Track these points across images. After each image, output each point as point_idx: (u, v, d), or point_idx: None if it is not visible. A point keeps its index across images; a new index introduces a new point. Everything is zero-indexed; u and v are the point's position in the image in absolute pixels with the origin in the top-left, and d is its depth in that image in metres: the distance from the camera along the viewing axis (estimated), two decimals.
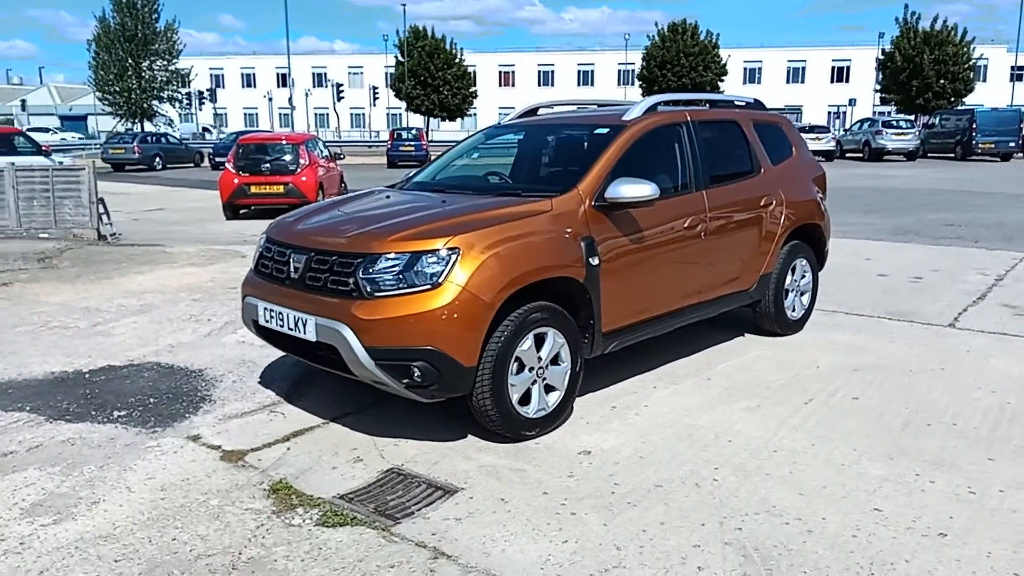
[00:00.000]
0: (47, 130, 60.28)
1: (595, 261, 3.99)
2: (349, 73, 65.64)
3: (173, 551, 2.85)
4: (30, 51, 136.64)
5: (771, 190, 5.31)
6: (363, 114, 64.53)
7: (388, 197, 4.59)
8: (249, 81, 66.79)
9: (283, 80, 65.22)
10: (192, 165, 34.10)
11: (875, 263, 8.62)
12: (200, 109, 55.30)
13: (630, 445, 3.78)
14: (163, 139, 34.06)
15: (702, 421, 4.07)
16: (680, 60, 50.71)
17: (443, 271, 3.47)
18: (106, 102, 53.66)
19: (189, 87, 57.01)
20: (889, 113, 43.76)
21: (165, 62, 55.97)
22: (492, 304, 3.51)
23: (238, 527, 3.03)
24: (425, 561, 2.78)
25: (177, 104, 55.75)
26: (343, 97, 44.99)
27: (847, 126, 43.06)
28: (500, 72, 66.39)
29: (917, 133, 30.82)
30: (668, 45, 51.40)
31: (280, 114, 60.80)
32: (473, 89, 56.66)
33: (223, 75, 67.68)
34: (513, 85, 65.89)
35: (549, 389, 3.92)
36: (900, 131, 30.14)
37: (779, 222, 5.33)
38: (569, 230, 3.93)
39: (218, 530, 3.00)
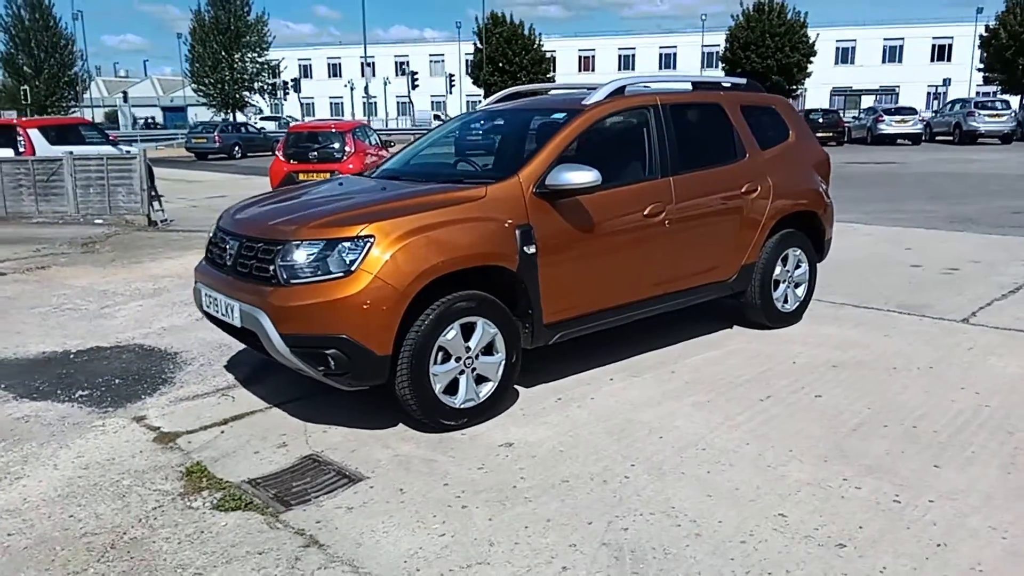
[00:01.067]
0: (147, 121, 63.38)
1: (531, 250, 3.89)
2: (430, 61, 66.40)
3: (65, 528, 2.97)
4: (140, 44, 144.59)
5: (756, 176, 5.06)
6: (443, 101, 65.16)
7: (340, 185, 4.62)
8: (335, 71, 68.46)
9: (364, 68, 66.64)
10: (271, 153, 35.27)
11: (914, 253, 8.12)
12: (285, 99, 57.10)
13: (556, 439, 3.69)
14: (242, 129, 35.36)
15: (643, 416, 3.93)
16: (765, 40, 48.90)
17: (356, 259, 3.46)
18: (201, 93, 56.14)
19: (279, 77, 58.88)
20: (987, 93, 41.00)
21: (255, 54, 58.01)
22: (406, 293, 3.47)
23: (136, 507, 3.12)
24: (295, 549, 2.80)
25: (266, 95, 57.56)
26: (418, 85, 45.56)
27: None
28: (580, 57, 65.73)
29: (1014, 114, 28.75)
30: (753, 25, 49.65)
31: (364, 103, 62.11)
32: (551, 75, 56.41)
33: (311, 65, 69.63)
34: (593, 70, 65.13)
35: (481, 380, 3.87)
36: (995, 112, 28.17)
37: (764, 210, 5.07)
38: (503, 218, 3.85)
39: (116, 509, 3.11)
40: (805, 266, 5.51)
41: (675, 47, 63.91)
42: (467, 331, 3.76)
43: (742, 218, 4.99)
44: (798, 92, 52.27)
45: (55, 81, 58.36)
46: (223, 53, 55.67)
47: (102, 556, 2.77)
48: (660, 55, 65.00)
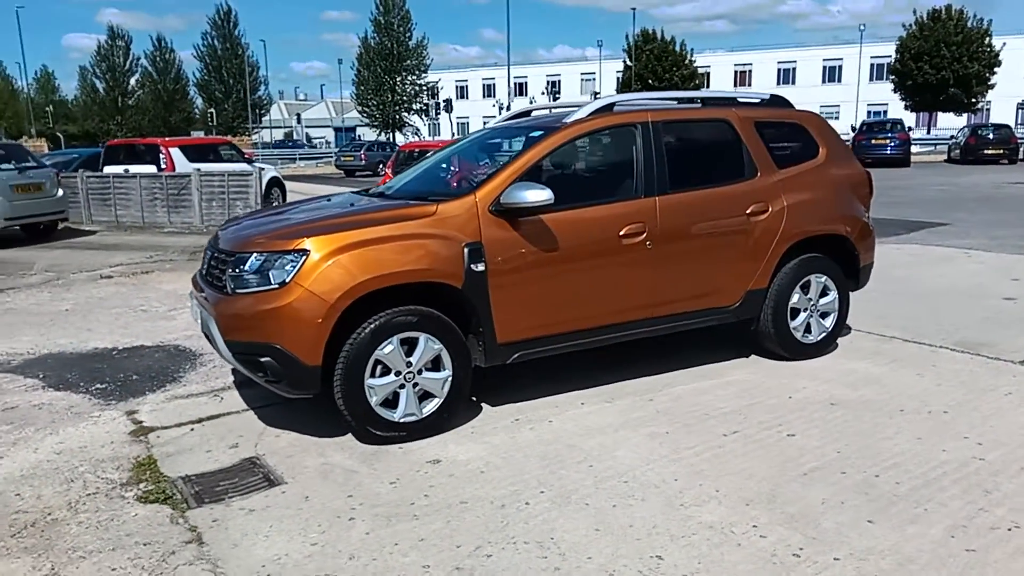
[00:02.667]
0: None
1: (480, 268, 3.89)
2: (582, 80, 66.81)
3: (5, 504, 3.31)
4: (323, 70, 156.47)
5: (766, 197, 4.74)
6: None
7: (327, 202, 4.82)
8: (489, 91, 70.51)
9: (519, 89, 68.14)
10: None
11: (1019, 285, 7.24)
12: (437, 119, 59.49)
13: (486, 459, 3.65)
14: (387, 147, 37.15)
15: (588, 443, 3.80)
16: (940, 51, 45.16)
17: (291, 272, 3.62)
18: (365, 114, 59.79)
19: (437, 99, 61.57)
20: None
21: (415, 76, 61.03)
22: (335, 306, 3.58)
23: (74, 492, 3.42)
24: (176, 544, 2.97)
25: (423, 115, 60.20)
26: (558, 97, 45.96)
27: None
28: (736, 71, 63.67)
29: None
30: (927, 35, 46.04)
31: None
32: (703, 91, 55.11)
33: (467, 86, 72.19)
34: (749, 85, 62.85)
35: (426, 395, 3.90)
36: None
37: (776, 232, 4.74)
38: (452, 235, 3.87)
39: (57, 492, 3.42)
40: (833, 294, 5.08)
41: (840, 59, 60.42)
42: (410, 346, 3.82)
43: (747, 241, 4.69)
44: (979, 105, 47.78)
45: (241, 104, 64.29)
46: (385, 76, 58.94)
47: (18, 532, 3.07)
48: (824, 68, 61.69)
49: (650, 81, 52.69)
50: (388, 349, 3.75)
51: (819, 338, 5.08)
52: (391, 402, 3.82)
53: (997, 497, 3.15)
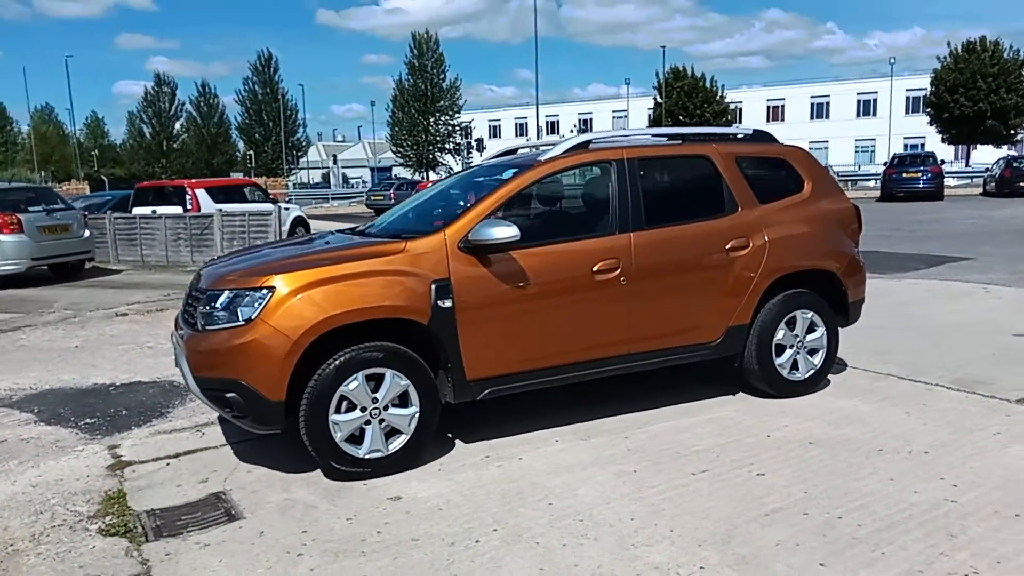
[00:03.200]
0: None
1: (447, 304, 3.92)
2: (613, 117, 67.24)
3: None
4: (362, 112, 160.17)
5: (747, 232, 4.72)
6: None
7: (309, 241, 4.91)
8: (522, 130, 71.29)
9: (551, 127, 68.77)
10: None
11: None
12: (470, 158, 60.34)
13: (446, 497, 3.64)
14: (415, 187, 37.70)
15: (552, 481, 3.77)
16: (976, 82, 44.61)
17: (256, 309, 3.69)
18: (399, 154, 60.86)
19: (469, 138, 62.45)
20: None
21: (448, 117, 62.05)
22: (299, 342, 3.64)
23: (40, 524, 3.49)
24: None
25: (456, 155, 60.98)
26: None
27: None
28: (768, 107, 63.48)
29: None
30: (962, 67, 45.55)
31: None
32: (735, 126, 55.06)
33: (499, 125, 73.12)
34: (782, 120, 62.58)
35: (394, 432, 3.91)
36: None
37: (758, 267, 4.70)
38: (420, 272, 3.91)
39: (24, 524, 3.50)
40: (821, 330, 4.99)
41: (875, 92, 59.89)
42: (376, 382, 3.84)
43: (727, 276, 4.66)
44: (1019, 137, 46.89)
45: (280, 147, 65.96)
46: (419, 117, 60.02)
47: None
48: (858, 101, 61.20)
49: (680, 117, 52.79)
50: (353, 385, 3.78)
51: (807, 375, 4.98)
52: (357, 438, 3.84)
53: (961, 541, 3.04)
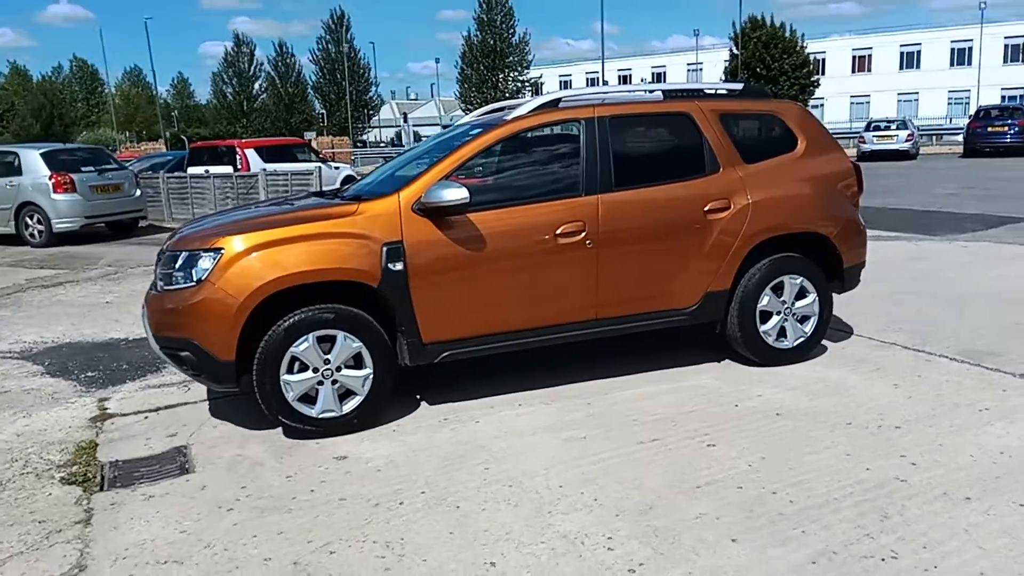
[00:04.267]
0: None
1: (397, 267, 3.91)
2: (688, 71, 65.15)
3: None
4: (438, 70, 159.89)
5: (728, 193, 4.52)
6: None
7: (277, 205, 4.96)
8: (592, 85, 69.99)
9: (622, 81, 67.12)
10: None
11: None
12: None
13: (390, 457, 3.68)
14: None
15: (498, 445, 3.77)
16: None
17: (206, 270, 3.77)
18: (468, 111, 60.76)
19: (539, 94, 61.60)
20: None
21: (517, 73, 61.39)
22: (244, 304, 3.70)
23: (13, 471, 3.70)
24: (66, 523, 3.17)
25: None
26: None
27: None
28: (854, 57, 60.19)
29: None
30: None
31: None
32: (817, 78, 52.64)
33: (570, 80, 71.90)
34: (869, 70, 59.31)
35: (348, 393, 3.97)
36: None
37: (738, 230, 4.51)
38: (371, 234, 3.91)
39: None
40: (812, 296, 4.77)
41: (970, 40, 55.98)
42: (329, 344, 3.89)
43: (704, 240, 4.48)
44: None
45: (353, 105, 66.72)
46: (488, 74, 59.60)
47: None
48: (952, 50, 57.36)
49: (758, 69, 50.79)
50: (304, 346, 3.83)
51: (796, 343, 4.79)
52: (311, 398, 3.91)
53: (893, 523, 2.89)
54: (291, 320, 3.80)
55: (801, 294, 4.76)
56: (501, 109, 5.41)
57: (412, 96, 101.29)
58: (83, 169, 11.57)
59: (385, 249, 3.90)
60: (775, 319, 4.72)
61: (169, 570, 2.79)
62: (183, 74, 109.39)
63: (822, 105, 58.43)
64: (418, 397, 4.47)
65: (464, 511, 3.13)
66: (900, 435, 3.69)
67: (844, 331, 5.49)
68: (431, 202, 3.94)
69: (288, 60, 69.85)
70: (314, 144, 41.90)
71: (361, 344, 3.93)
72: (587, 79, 68.20)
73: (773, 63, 49.98)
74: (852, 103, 59.35)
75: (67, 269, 9.64)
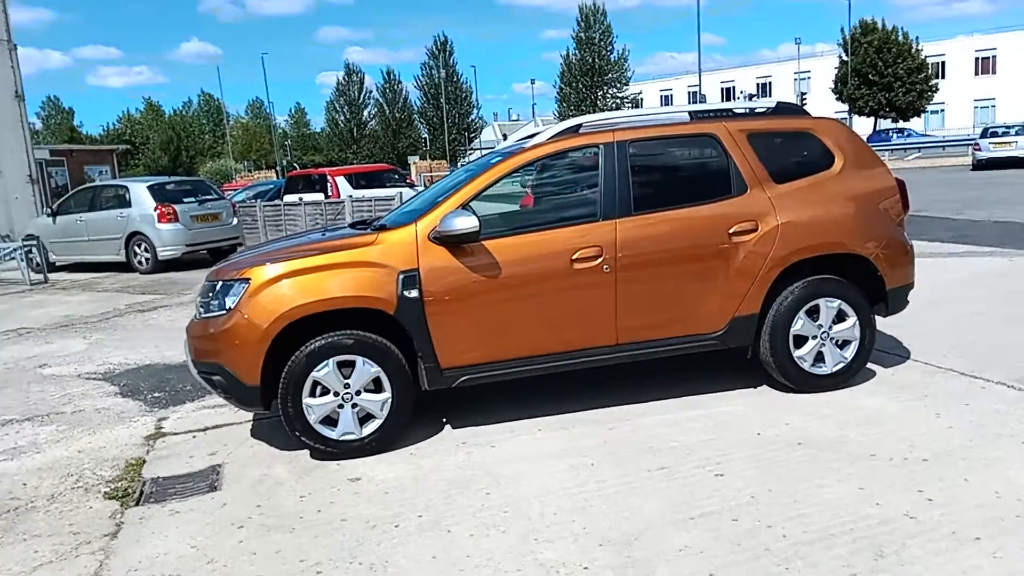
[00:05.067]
0: None
1: (412, 294, 4.04)
2: (796, 79, 63.04)
3: (9, 489, 4.02)
4: (542, 89, 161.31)
5: (756, 214, 4.41)
6: None
7: (314, 233, 5.20)
8: (694, 99, 68.82)
9: (726, 94, 65.79)
10: None
11: None
12: None
13: (400, 480, 3.80)
14: None
15: (506, 471, 3.81)
16: None
17: (235, 299, 4.03)
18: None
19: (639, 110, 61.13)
20: None
21: (616, 89, 61.27)
22: (268, 331, 3.93)
23: (65, 485, 4.06)
24: (96, 535, 3.45)
25: None
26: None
27: None
28: (977, 59, 56.55)
29: None
30: None
31: None
32: (935, 83, 49.90)
33: (671, 95, 71.02)
34: (993, 72, 55.59)
35: (369, 416, 4.12)
36: None
37: (767, 252, 4.39)
38: (388, 263, 4.06)
39: (52, 484, 4.08)
40: (852, 320, 4.57)
41: None
42: (349, 369, 4.06)
43: (730, 263, 4.39)
44: None
45: (455, 128, 68.41)
46: (586, 92, 59.76)
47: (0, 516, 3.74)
48: None
49: (870, 76, 48.67)
50: (325, 371, 4.02)
51: (835, 368, 4.59)
52: (333, 421, 4.09)
53: (886, 563, 2.75)
54: (312, 346, 3.99)
55: (840, 318, 4.57)
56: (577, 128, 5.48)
57: (514, 117, 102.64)
58: (185, 200, 12.46)
59: (401, 277, 4.05)
60: (811, 344, 4.55)
61: None
62: (300, 104, 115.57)
63: (942, 111, 55.35)
64: (444, 420, 4.58)
65: (453, 535, 3.20)
66: (925, 468, 3.49)
67: (900, 355, 5.22)
68: (444, 231, 4.06)
69: (395, 87, 72.58)
70: (414, 168, 43.13)
71: (380, 369, 4.07)
72: (688, 92, 67.18)
73: (886, 69, 47.81)
74: (976, 108, 55.74)
75: (164, 294, 10.38)
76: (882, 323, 5.84)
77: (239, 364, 3.99)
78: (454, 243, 4.11)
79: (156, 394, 5.66)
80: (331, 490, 3.75)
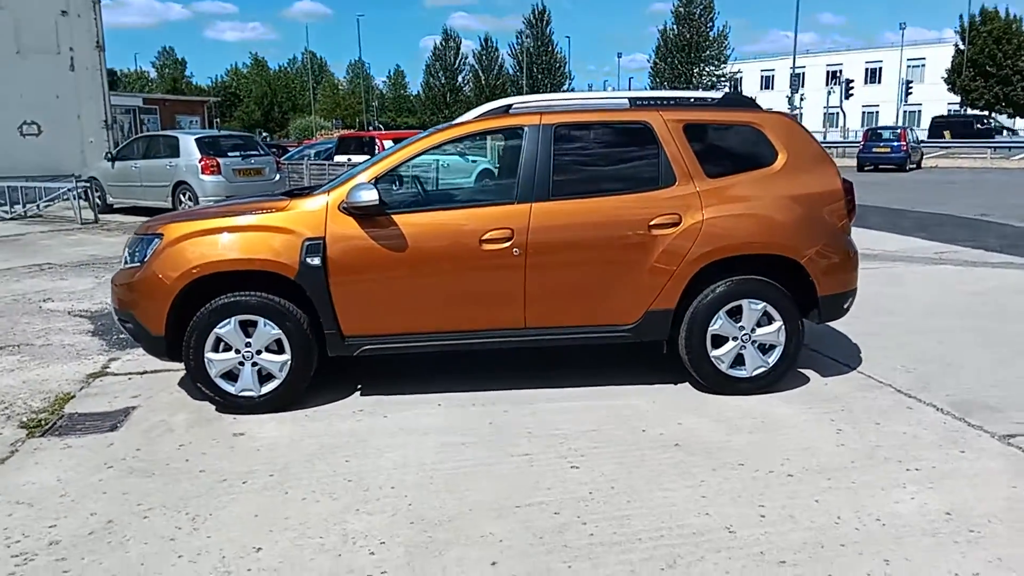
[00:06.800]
0: None
1: (315, 262, 4.11)
2: (908, 66, 59.55)
3: None
4: (619, 64, 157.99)
5: (680, 208, 4.27)
6: (918, 110, 57.99)
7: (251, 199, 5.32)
8: (800, 81, 66.00)
9: (831, 77, 62.75)
10: None
11: None
12: None
13: (278, 440, 3.91)
14: None
15: (379, 442, 3.87)
16: None
17: (148, 253, 4.21)
18: None
19: (739, 90, 59.19)
20: None
21: (713, 67, 59.44)
22: (172, 286, 4.09)
23: None
24: None
25: None
26: (852, 94, 41.55)
27: None
28: None
29: None
30: None
31: (827, 114, 58.61)
32: None
33: (773, 76, 68.32)
34: None
35: (269, 376, 4.26)
36: None
37: (686, 248, 4.25)
38: (295, 229, 4.15)
39: None
40: (779, 324, 4.38)
41: None
42: (252, 328, 4.20)
43: (647, 256, 4.27)
44: None
45: None
46: (681, 68, 58.20)
47: None
48: None
49: (988, 67, 45.51)
50: (226, 328, 4.17)
51: (755, 372, 4.43)
52: (235, 377, 4.24)
53: (672, 574, 2.68)
54: (217, 303, 4.14)
55: (765, 321, 4.39)
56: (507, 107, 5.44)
57: (610, 89, 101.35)
58: (230, 154, 12.95)
59: (306, 244, 4.13)
60: (730, 345, 4.40)
61: (16, 509, 3.21)
62: (399, 66, 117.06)
63: None
64: (358, 387, 4.68)
65: (288, 497, 3.29)
66: (783, 484, 3.35)
67: (848, 365, 4.98)
68: (349, 203, 4.12)
69: (492, 54, 72.61)
70: None
71: (280, 331, 4.19)
72: (792, 75, 64.40)
73: (1005, 61, 44.55)
74: None
75: None
76: (853, 330, 5.62)
77: (147, 314, 4.19)
78: (361, 215, 4.16)
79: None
80: (211, 442, 3.91)
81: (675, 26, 58.51)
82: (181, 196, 12.80)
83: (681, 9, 57.74)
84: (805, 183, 4.43)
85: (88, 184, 13.17)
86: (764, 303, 4.36)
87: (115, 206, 14.11)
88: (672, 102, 4.62)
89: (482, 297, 4.29)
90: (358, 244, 4.17)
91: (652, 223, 4.27)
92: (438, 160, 8.36)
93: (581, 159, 4.42)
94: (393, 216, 4.19)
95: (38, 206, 13.79)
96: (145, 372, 5.08)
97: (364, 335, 4.28)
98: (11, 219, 13.45)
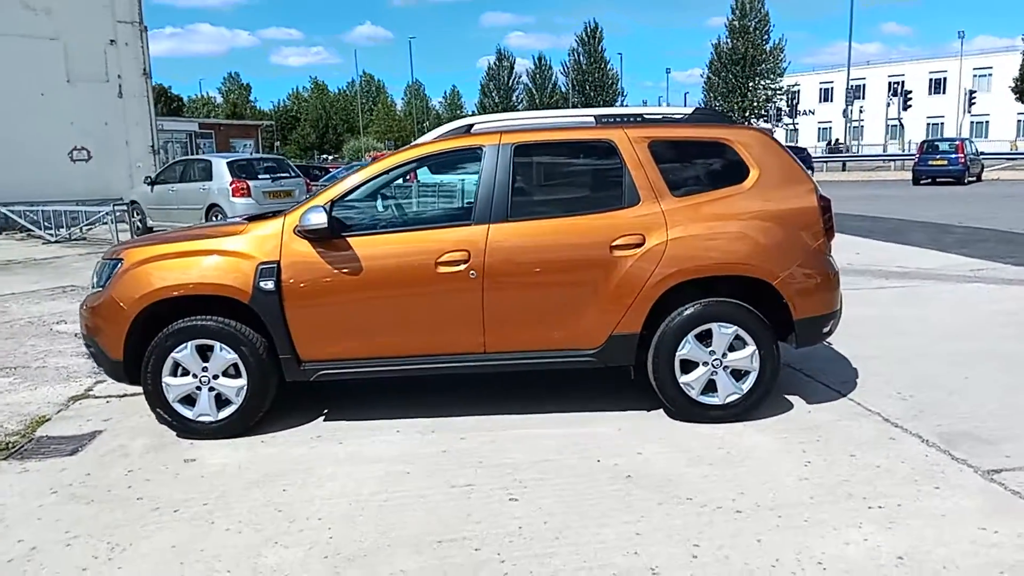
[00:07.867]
0: None
1: (268, 286, 4.08)
2: (974, 76, 57.41)
3: None
4: (668, 80, 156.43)
5: (644, 228, 4.10)
6: (985, 121, 55.80)
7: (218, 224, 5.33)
8: (859, 93, 64.27)
9: (893, 89, 60.98)
10: None
11: None
12: (795, 125, 55.92)
13: (226, 467, 3.87)
14: None
15: (325, 470, 3.79)
16: None
17: (108, 277, 4.25)
18: None
19: (795, 103, 58.00)
20: None
21: (769, 81, 58.42)
22: (129, 312, 4.11)
23: None
24: None
25: (775, 122, 57.07)
26: (910, 106, 40.14)
27: None
28: None
29: None
30: None
31: (890, 126, 56.83)
32: None
33: (831, 88, 66.72)
34: None
35: (226, 401, 4.23)
36: None
37: (650, 269, 4.08)
38: (250, 253, 4.12)
39: None
40: (752, 349, 4.16)
41: None
42: (209, 352, 4.19)
43: (610, 278, 4.11)
44: None
45: None
46: (736, 81, 57.37)
47: None
48: None
49: None
50: (183, 352, 4.16)
51: (727, 400, 4.20)
52: (192, 401, 4.23)
53: None
54: (174, 328, 4.15)
55: (738, 346, 4.18)
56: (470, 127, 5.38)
57: (664, 105, 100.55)
58: (260, 177, 13.21)
59: (260, 268, 4.10)
60: (700, 370, 4.19)
61: None
62: (455, 86, 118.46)
63: None
64: (324, 411, 4.63)
65: (214, 528, 3.24)
66: (727, 521, 3.14)
67: (838, 391, 4.70)
68: (301, 226, 4.08)
69: (545, 72, 73.11)
70: None
71: (236, 356, 4.17)
72: (846, 86, 62.85)
73: None
74: None
75: None
76: (856, 353, 5.34)
77: (106, 339, 4.22)
78: (315, 238, 4.12)
79: None
80: (160, 468, 3.90)
81: (729, 40, 57.75)
82: (213, 219, 13.08)
83: (736, 23, 56.98)
84: (778, 200, 4.21)
85: (125, 207, 13.60)
86: (735, 327, 4.14)
87: (154, 229, 14.53)
88: (639, 119, 4.47)
89: (440, 321, 4.19)
90: (312, 268, 4.13)
91: (614, 244, 4.11)
92: (439, 181, 8.28)
93: (542, 179, 4.30)
94: (348, 239, 4.14)
95: (80, 229, 14.29)
96: (124, 395, 5.11)
97: (321, 360, 4.23)
98: (55, 242, 13.98)
